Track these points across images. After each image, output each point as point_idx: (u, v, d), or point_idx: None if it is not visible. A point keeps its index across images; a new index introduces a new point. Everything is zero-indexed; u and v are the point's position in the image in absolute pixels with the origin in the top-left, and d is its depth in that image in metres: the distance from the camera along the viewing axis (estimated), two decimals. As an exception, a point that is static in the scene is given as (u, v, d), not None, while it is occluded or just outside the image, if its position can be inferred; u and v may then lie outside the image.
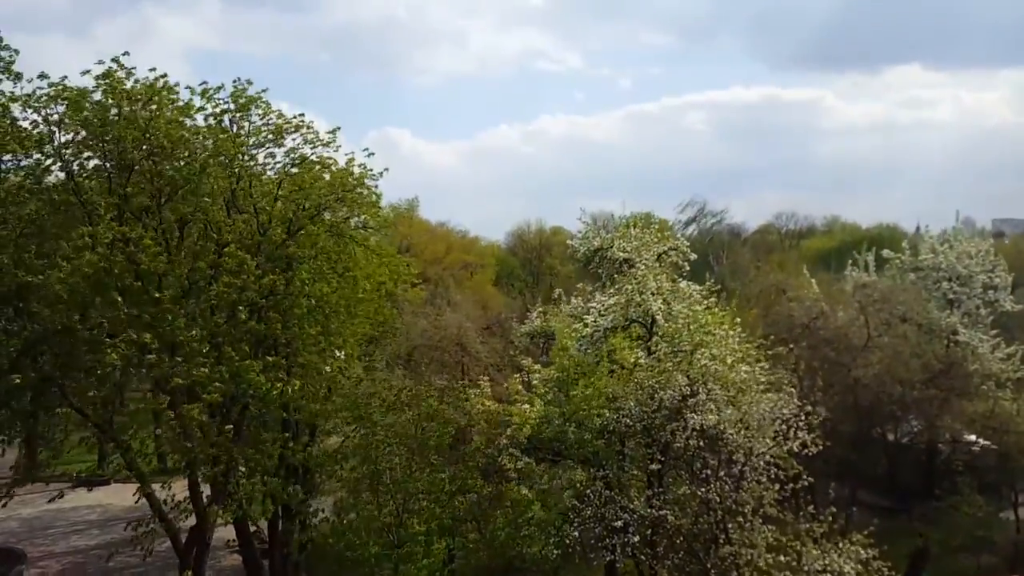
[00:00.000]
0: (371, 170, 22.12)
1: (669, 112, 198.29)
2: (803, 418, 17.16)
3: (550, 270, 79.51)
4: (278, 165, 20.95)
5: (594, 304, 26.28)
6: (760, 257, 76.48)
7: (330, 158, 21.49)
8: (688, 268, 31.39)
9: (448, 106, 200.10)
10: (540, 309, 31.43)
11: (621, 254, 30.22)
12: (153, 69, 18.98)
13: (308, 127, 20.47)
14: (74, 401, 18.10)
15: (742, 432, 16.77)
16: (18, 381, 16.24)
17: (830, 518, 16.11)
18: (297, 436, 21.71)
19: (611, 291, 25.79)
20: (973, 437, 29.13)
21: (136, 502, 18.63)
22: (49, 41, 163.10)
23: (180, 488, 19.21)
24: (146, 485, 18.71)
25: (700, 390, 17.51)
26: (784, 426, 17.10)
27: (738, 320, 20.17)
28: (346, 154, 22.53)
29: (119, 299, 16.68)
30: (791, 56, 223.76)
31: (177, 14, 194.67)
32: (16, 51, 17.81)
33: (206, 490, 19.53)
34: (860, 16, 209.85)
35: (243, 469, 18.47)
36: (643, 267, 23.45)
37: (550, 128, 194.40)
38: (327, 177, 21.10)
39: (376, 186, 22.53)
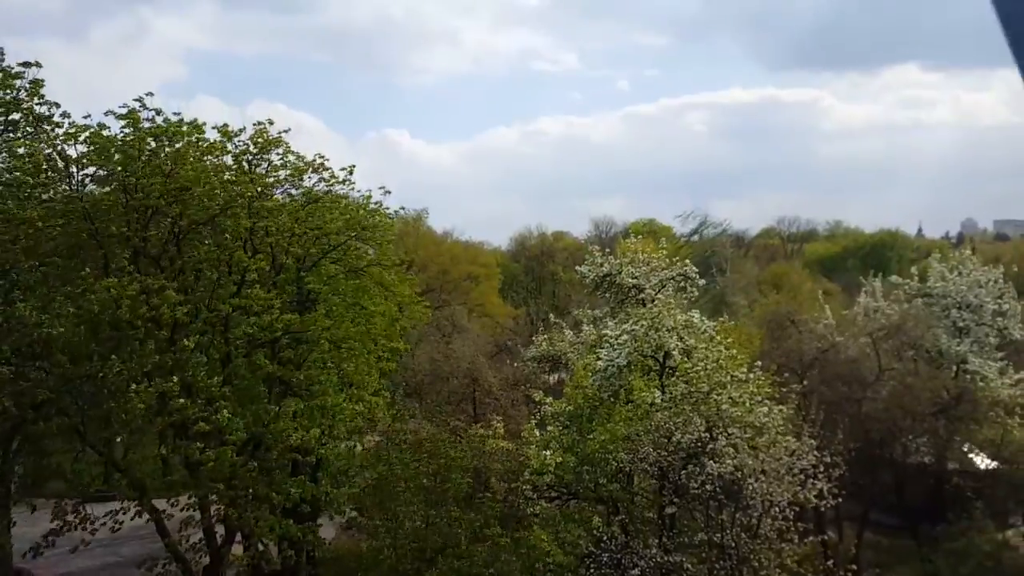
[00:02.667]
0: (388, 209, 22.46)
1: (667, 113, 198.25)
2: (822, 469, 17.24)
3: (552, 276, 79.74)
4: (294, 202, 21.18)
5: (606, 332, 26.42)
6: (763, 267, 76.52)
7: (346, 196, 21.77)
8: (696, 293, 31.59)
9: (446, 107, 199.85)
10: (546, 335, 31.61)
11: (630, 280, 30.41)
12: (178, 113, 19.21)
13: (325, 167, 20.71)
14: (97, 446, 18.16)
15: (762, 482, 16.81)
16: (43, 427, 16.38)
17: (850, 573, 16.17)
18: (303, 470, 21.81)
19: (624, 320, 25.93)
20: (981, 463, 29.21)
21: (145, 521, 18.66)
22: (45, 44, 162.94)
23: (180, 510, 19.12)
24: (163, 527, 18.85)
25: (719, 436, 17.58)
26: (802, 475, 17.17)
27: (758, 365, 20.09)
28: (363, 191, 22.91)
29: (148, 347, 16.75)
30: (788, 56, 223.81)
31: (172, 15, 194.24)
32: (57, 104, 17.79)
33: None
34: (856, 16, 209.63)
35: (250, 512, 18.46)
36: (659, 300, 23.50)
37: (548, 129, 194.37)
38: (341, 213, 21.32)
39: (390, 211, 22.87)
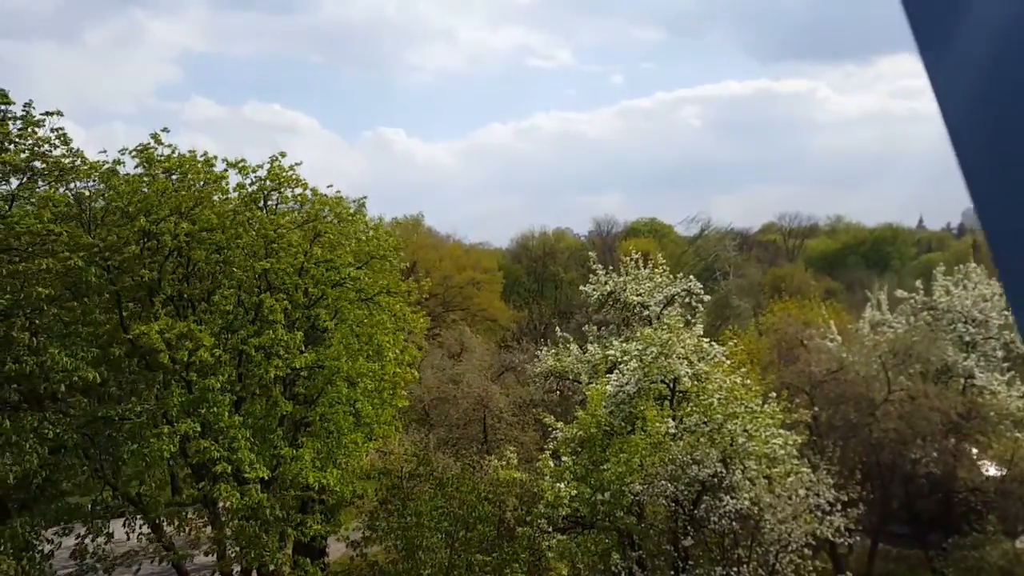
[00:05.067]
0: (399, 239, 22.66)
1: (662, 107, 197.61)
2: (839, 507, 17.34)
3: (554, 277, 79.88)
4: (304, 236, 21.30)
5: (612, 352, 26.53)
6: (764, 268, 76.66)
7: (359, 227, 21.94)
8: (702, 309, 31.70)
9: (441, 105, 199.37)
10: (552, 351, 31.71)
11: (635, 298, 30.58)
12: (193, 151, 19.41)
13: (340, 203, 20.89)
14: (119, 487, 18.28)
15: (777, 520, 16.89)
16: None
17: None
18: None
19: (629, 339, 26.09)
20: (988, 472, 29.28)
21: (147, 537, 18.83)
22: (38, 47, 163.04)
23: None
24: (182, 569, 19.04)
25: (735, 470, 17.67)
26: (819, 512, 17.29)
27: (772, 396, 20.11)
28: (372, 220, 23.08)
29: (176, 389, 16.88)
30: (781, 48, 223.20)
31: (166, 17, 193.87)
32: (80, 151, 17.91)
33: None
34: (848, 6, 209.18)
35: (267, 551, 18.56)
36: (666, 323, 23.56)
37: (544, 125, 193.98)
38: (353, 242, 21.47)
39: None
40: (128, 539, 18.57)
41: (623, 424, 22.03)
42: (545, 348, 32.64)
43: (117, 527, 18.78)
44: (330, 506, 21.08)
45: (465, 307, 63.85)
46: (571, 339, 30.87)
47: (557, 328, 32.53)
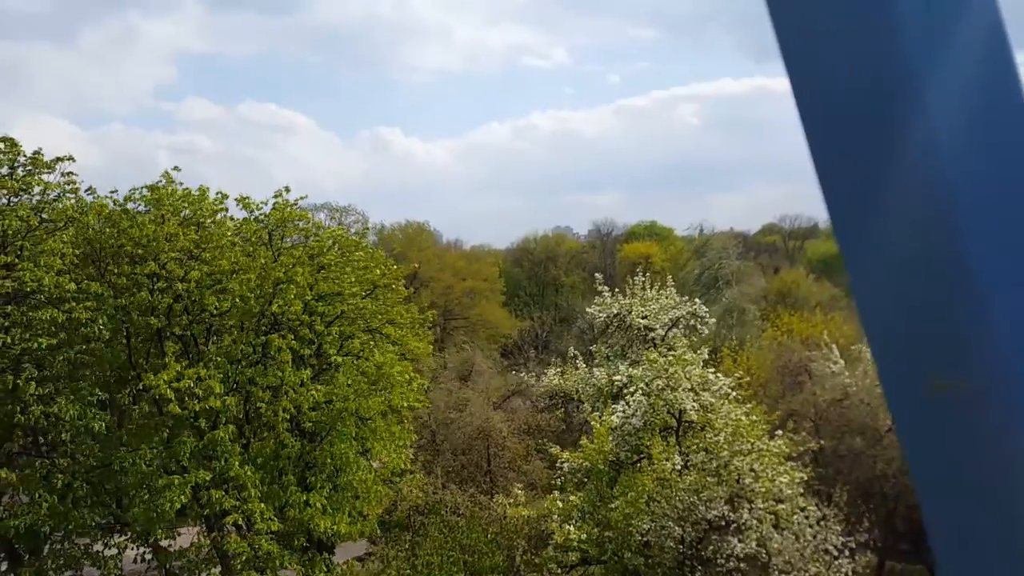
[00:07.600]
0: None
1: (659, 105, 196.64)
2: (847, 553, 17.36)
3: (555, 281, 79.91)
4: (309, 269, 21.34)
5: (618, 378, 26.58)
6: (767, 272, 76.52)
7: (362, 256, 21.98)
8: (708, 332, 31.75)
9: (438, 103, 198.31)
10: (558, 369, 31.74)
11: (641, 321, 30.62)
12: (202, 188, 19.51)
13: (344, 236, 20.99)
14: (135, 528, 18.30)
15: (785, 560, 16.92)
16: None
17: None
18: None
19: (635, 363, 26.17)
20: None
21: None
22: (35, 47, 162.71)
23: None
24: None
25: (742, 511, 17.69)
26: (828, 556, 17.31)
27: (779, 433, 20.08)
28: (372, 238, 23.06)
29: (187, 437, 16.90)
30: (776, 48, 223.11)
31: (161, 18, 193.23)
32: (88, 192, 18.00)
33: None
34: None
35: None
36: (672, 354, 23.55)
37: (541, 124, 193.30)
38: (357, 272, 21.50)
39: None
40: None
41: (629, 455, 22.06)
42: (552, 367, 32.66)
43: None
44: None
45: (466, 316, 63.80)
46: (579, 356, 30.86)
47: (571, 348, 32.49)
